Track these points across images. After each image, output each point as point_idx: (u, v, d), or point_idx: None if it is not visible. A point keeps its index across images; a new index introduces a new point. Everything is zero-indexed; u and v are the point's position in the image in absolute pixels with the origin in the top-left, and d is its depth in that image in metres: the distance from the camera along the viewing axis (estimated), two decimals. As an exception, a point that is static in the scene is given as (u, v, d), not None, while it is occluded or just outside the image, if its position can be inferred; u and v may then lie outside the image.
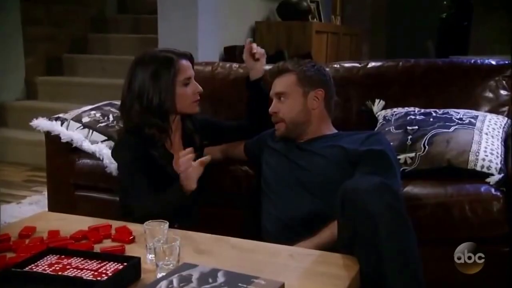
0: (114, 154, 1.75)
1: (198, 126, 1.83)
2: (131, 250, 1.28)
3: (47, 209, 2.27)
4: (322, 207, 1.57)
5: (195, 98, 1.74)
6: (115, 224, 1.44)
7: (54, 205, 2.22)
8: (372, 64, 2.23)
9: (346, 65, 2.27)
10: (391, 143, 1.80)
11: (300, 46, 4.13)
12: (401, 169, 1.76)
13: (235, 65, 2.52)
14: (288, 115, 1.73)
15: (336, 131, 1.81)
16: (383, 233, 1.21)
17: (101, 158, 2.03)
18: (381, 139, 1.68)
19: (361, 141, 1.66)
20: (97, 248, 1.28)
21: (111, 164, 2.01)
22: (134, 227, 1.41)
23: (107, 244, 1.32)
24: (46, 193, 2.29)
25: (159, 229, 1.24)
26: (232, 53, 3.86)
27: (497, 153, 1.73)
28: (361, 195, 1.26)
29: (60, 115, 2.16)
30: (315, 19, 4.69)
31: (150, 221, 1.26)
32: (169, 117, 1.71)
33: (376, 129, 2.01)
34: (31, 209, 2.81)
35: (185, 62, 1.72)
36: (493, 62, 2.06)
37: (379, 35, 6.45)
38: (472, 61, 2.12)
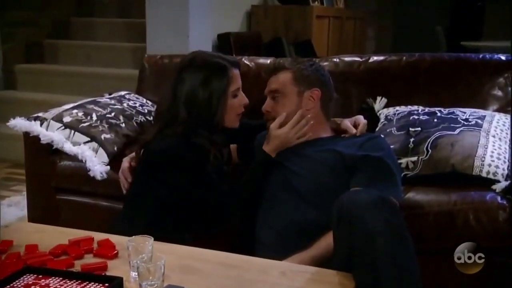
0: (171, 167, 1.62)
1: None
2: (114, 267, 1.30)
3: (26, 211, 2.29)
4: (318, 215, 1.58)
5: (240, 110, 1.74)
6: (98, 236, 1.46)
7: (34, 210, 2.25)
8: (374, 58, 2.25)
9: (346, 59, 2.29)
10: (392, 146, 1.82)
11: (300, 33, 4.14)
12: (403, 174, 1.78)
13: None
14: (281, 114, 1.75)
15: (333, 134, 1.82)
16: (381, 250, 1.22)
17: (83, 161, 2.05)
18: (380, 143, 1.70)
19: (359, 145, 1.68)
20: (78, 264, 1.30)
21: (94, 167, 2.03)
22: (117, 238, 1.43)
23: (89, 260, 1.34)
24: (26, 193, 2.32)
25: (143, 245, 1.26)
26: (226, 41, 3.86)
27: (504, 157, 1.75)
28: (358, 210, 1.28)
29: (40, 114, 2.17)
30: (316, 2, 4.68)
31: (133, 236, 1.28)
32: (216, 130, 1.69)
33: (377, 129, 2.03)
34: (10, 211, 2.83)
35: (236, 71, 1.71)
36: (503, 58, 2.08)
37: (386, 18, 6.44)
38: (481, 56, 2.14)
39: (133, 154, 1.81)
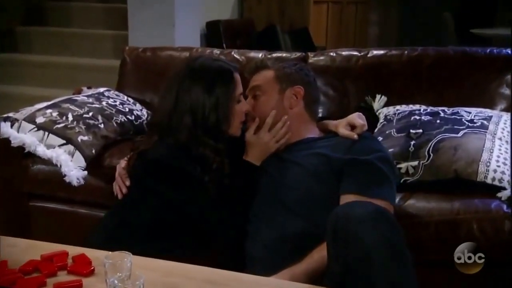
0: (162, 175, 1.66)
1: None
2: (89, 285, 1.31)
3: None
4: (307, 226, 1.60)
5: (243, 117, 1.77)
6: (72, 250, 1.47)
7: (5, 217, 2.26)
8: (373, 53, 2.28)
9: (344, 53, 2.32)
10: (392, 149, 1.84)
11: (295, 20, 4.15)
12: (402, 179, 1.81)
13: (216, 51, 2.56)
14: (261, 113, 1.78)
15: (320, 134, 1.83)
16: (377, 267, 1.24)
17: (58, 165, 2.06)
18: (370, 145, 1.70)
19: (347, 147, 1.68)
20: (50, 283, 1.31)
21: (70, 172, 2.04)
22: (93, 253, 1.44)
23: (62, 277, 1.35)
24: (-3, 198, 2.33)
25: (121, 262, 1.27)
26: (215, 30, 3.86)
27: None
28: (353, 225, 1.29)
29: (10, 114, 2.17)
30: (313, -14, 4.69)
31: (111, 252, 1.30)
32: (221, 138, 1.71)
33: (376, 130, 2.05)
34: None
35: (238, 75, 1.75)
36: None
37: (391, 1, 6.43)
38: (488, 51, 2.16)
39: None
